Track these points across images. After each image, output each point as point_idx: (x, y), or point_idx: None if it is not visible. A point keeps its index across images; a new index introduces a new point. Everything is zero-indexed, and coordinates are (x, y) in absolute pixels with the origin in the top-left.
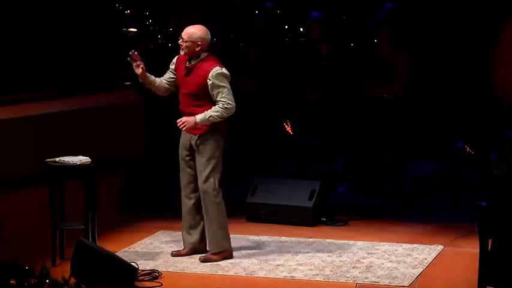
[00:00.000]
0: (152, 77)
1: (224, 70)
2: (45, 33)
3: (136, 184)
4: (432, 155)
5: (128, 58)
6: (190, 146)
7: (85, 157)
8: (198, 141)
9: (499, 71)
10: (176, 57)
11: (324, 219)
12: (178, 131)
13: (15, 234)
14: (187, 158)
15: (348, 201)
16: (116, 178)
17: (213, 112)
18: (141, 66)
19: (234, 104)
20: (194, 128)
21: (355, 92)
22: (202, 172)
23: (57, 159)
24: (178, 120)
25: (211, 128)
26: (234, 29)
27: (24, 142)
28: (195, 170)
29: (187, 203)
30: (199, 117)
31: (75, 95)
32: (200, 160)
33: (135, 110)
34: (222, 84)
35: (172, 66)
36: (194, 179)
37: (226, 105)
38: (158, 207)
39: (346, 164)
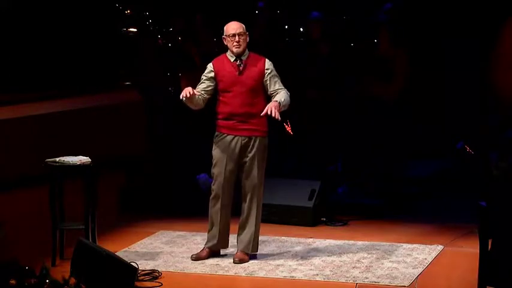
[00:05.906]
0: (196, 96)
1: None
2: (46, 33)
3: (137, 184)
4: (432, 155)
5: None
6: (241, 148)
7: (85, 157)
8: (254, 143)
9: (499, 70)
10: (210, 64)
11: (324, 219)
12: (179, 131)
13: (15, 234)
14: (234, 161)
15: (348, 201)
16: (116, 178)
17: (285, 95)
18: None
19: None
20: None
21: (354, 91)
22: (257, 174)
23: (57, 159)
24: (268, 108)
25: (268, 129)
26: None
27: (24, 142)
28: (239, 173)
29: (227, 206)
30: (279, 99)
31: (75, 95)
32: (255, 162)
33: (135, 110)
34: (277, 73)
35: (210, 75)
36: (235, 182)
37: (287, 93)
38: (158, 207)
39: (346, 164)
